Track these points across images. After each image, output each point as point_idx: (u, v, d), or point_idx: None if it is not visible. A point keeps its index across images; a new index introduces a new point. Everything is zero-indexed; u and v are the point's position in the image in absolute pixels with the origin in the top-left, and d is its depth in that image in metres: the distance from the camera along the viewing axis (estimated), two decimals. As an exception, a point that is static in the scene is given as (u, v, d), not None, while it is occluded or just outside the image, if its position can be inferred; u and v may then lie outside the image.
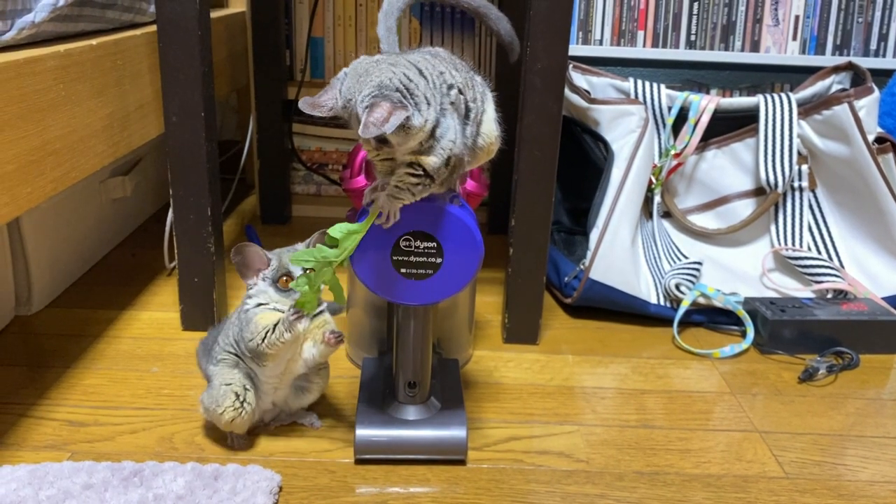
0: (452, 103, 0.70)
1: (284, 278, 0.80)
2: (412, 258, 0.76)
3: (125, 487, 0.75)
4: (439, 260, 0.76)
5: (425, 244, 0.75)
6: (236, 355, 0.83)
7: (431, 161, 0.70)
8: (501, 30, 0.88)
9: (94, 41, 0.93)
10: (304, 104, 0.69)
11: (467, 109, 0.72)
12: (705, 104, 1.27)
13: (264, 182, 1.57)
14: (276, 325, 0.79)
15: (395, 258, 0.76)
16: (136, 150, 1.15)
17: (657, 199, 1.30)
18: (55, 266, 1.19)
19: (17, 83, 0.76)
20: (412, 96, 0.66)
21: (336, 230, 0.73)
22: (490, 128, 0.76)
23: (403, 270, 0.76)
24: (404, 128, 0.66)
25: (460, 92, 0.71)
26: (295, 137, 1.61)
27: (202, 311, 1.09)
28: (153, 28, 1.09)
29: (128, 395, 0.94)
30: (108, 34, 1.02)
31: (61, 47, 0.86)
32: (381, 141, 0.68)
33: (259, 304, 0.81)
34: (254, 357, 0.81)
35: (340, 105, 0.68)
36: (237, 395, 0.81)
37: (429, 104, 0.67)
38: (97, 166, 0.95)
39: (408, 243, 0.75)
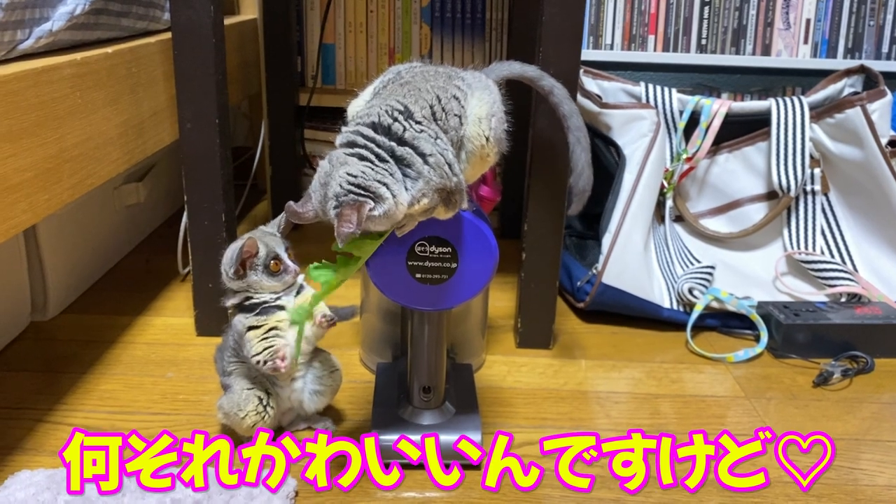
0: (415, 139, 0.68)
1: (274, 262, 0.80)
2: (427, 263, 0.76)
3: (143, 492, 0.75)
4: (454, 265, 0.76)
5: (440, 249, 0.75)
6: (243, 362, 0.83)
7: (422, 205, 0.69)
8: (584, 178, 0.87)
9: (109, 49, 0.94)
10: (290, 212, 0.70)
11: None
12: (717, 108, 1.27)
13: (276, 188, 1.58)
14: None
15: (410, 263, 0.76)
16: (150, 157, 1.16)
17: (669, 203, 1.30)
18: (70, 272, 1.20)
19: (35, 91, 0.77)
20: (366, 189, 0.66)
21: (351, 245, 0.73)
22: (476, 130, 0.73)
23: (418, 275, 0.76)
24: (375, 217, 0.67)
25: (421, 127, 0.69)
26: (307, 143, 1.62)
27: (216, 316, 1.10)
28: (167, 35, 1.10)
29: (143, 401, 0.95)
30: (123, 42, 1.02)
31: (78, 55, 0.86)
32: (378, 233, 0.70)
33: (242, 305, 0.81)
34: None
35: (322, 215, 0.69)
36: (260, 399, 0.81)
37: (387, 186, 0.66)
38: (113, 173, 0.95)
39: (423, 248, 0.75)
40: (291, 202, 0.71)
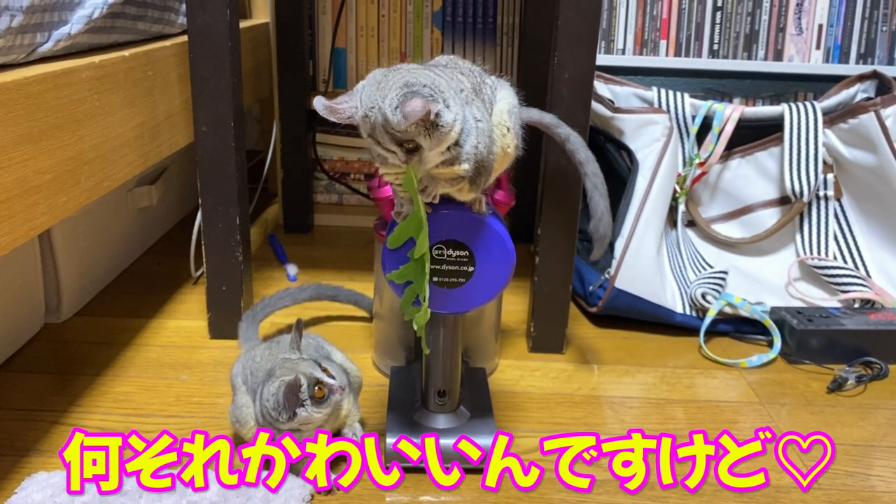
0: (467, 103, 0.70)
1: (318, 387, 0.76)
2: (444, 266, 0.76)
3: (159, 494, 0.76)
4: (471, 268, 0.76)
5: (457, 253, 0.75)
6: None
7: (464, 169, 0.70)
8: (604, 224, 0.89)
9: (126, 52, 0.95)
10: (320, 105, 0.68)
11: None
12: (730, 113, 1.27)
13: (287, 191, 1.58)
14: None
15: (427, 267, 0.76)
16: (163, 160, 1.16)
17: (681, 208, 1.29)
18: (84, 275, 1.21)
19: (54, 94, 0.77)
20: (440, 92, 0.66)
21: (397, 238, 0.73)
22: (499, 119, 0.74)
23: (435, 279, 0.76)
24: (436, 126, 0.65)
25: (473, 97, 0.71)
26: (318, 147, 1.62)
27: (230, 319, 1.10)
28: (182, 39, 1.10)
29: (158, 403, 0.95)
30: (138, 45, 1.03)
31: (96, 58, 0.87)
32: (411, 151, 0.67)
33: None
34: None
35: (361, 114, 0.67)
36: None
37: (456, 108, 0.67)
38: (129, 175, 0.96)
39: (440, 252, 0.75)
40: (321, 97, 0.68)
